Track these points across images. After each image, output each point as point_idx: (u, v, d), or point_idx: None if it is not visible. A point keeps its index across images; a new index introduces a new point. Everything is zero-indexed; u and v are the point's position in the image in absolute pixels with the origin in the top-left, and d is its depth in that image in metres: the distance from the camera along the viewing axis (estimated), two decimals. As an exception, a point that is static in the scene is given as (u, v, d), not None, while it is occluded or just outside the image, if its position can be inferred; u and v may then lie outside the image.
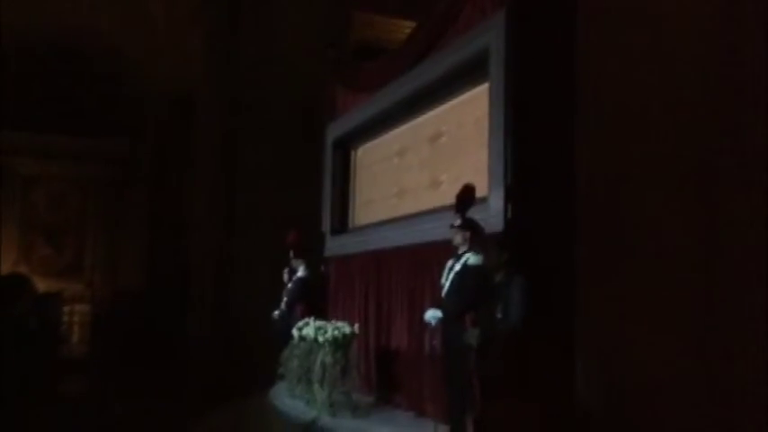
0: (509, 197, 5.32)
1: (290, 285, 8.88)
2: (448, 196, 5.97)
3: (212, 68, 13.02)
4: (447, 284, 5.19)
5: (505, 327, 4.51)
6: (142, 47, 14.84)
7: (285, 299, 8.83)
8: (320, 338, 6.55)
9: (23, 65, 14.51)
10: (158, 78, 15.05)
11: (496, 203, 5.40)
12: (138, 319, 13.85)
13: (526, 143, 5.35)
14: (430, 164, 7.07)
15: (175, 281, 14.12)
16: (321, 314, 7.71)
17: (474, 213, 5.29)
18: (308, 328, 6.88)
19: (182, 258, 14.23)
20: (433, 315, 5.18)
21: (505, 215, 5.30)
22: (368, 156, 8.71)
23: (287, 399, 7.16)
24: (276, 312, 8.84)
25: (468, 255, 5.14)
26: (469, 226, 5.18)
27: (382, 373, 7.15)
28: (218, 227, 12.86)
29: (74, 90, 15.30)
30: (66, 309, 13.81)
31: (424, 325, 5.38)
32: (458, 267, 5.15)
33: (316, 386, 6.52)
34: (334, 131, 9.08)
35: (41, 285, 10.83)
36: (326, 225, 9.02)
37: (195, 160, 14.08)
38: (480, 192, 5.43)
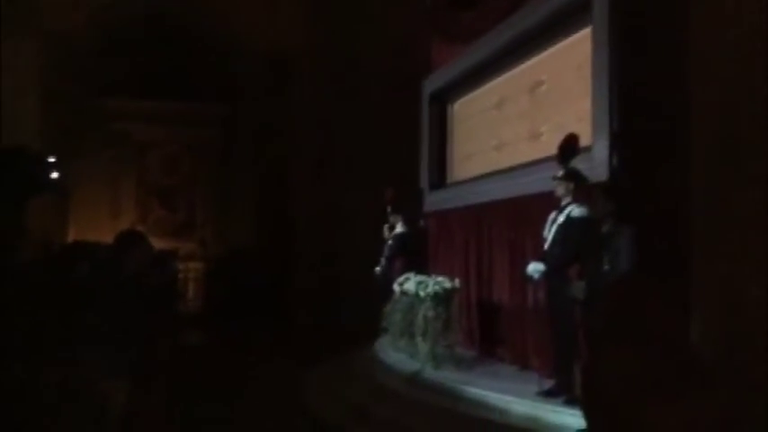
0: (614, 145, 5.11)
1: (389, 241, 8.97)
2: (549, 147, 5.80)
3: (310, 28, 13.11)
4: (550, 237, 5.08)
5: (613, 278, 4.36)
6: (243, 12, 15.10)
7: (385, 254, 8.93)
8: (421, 293, 6.59)
9: (134, 34, 15.10)
10: (260, 41, 15.30)
11: (601, 152, 5.19)
12: (247, 275, 14.39)
13: (631, 88, 5.09)
14: (529, 114, 6.87)
15: (282, 238, 14.56)
16: (421, 269, 7.74)
17: (577, 163, 5.12)
18: (409, 282, 6.93)
19: (287, 216, 14.63)
20: (535, 268, 5.09)
21: (611, 164, 5.09)
22: (465, 109, 8.57)
23: (391, 352, 7.28)
24: (377, 268, 8.97)
25: (571, 206, 5.00)
26: (573, 176, 5.02)
27: (484, 327, 7.14)
28: (319, 184, 13.12)
29: (183, 57, 15.82)
30: (181, 266, 14.53)
31: (527, 278, 5.30)
32: (561, 219, 5.02)
33: (418, 340, 6.59)
34: (430, 85, 8.98)
35: (157, 245, 11.43)
36: (425, 180, 9.00)
37: (295, 119, 14.33)
38: (583, 141, 5.24)
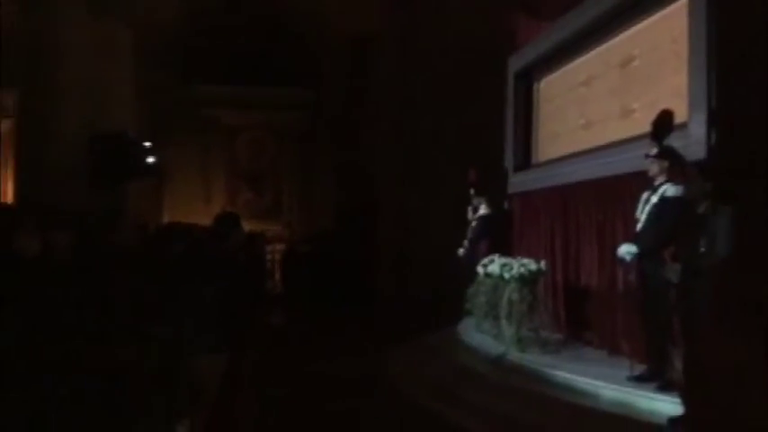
0: (712, 122, 4.86)
1: (473, 223, 8.90)
2: (641, 125, 5.59)
3: (393, 9, 13.09)
4: (643, 218, 4.91)
5: (710, 261, 4.17)
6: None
7: (469, 236, 8.88)
8: (506, 275, 6.52)
9: (222, 21, 15.49)
10: (344, 24, 15.41)
11: (698, 129, 4.96)
12: (329, 257, 14.61)
13: (730, 62, 4.83)
14: (620, 91, 6.63)
15: (363, 219, 14.70)
16: (505, 251, 7.66)
17: (672, 141, 4.92)
18: (494, 264, 6.87)
19: (369, 198, 14.75)
20: (627, 250, 4.94)
21: (708, 142, 4.86)
22: (551, 87, 8.36)
23: (474, 334, 7.25)
24: (460, 249, 8.93)
25: (666, 186, 4.81)
26: (668, 155, 4.83)
27: (571, 310, 7.00)
28: (400, 165, 13.14)
29: (269, 42, 16.13)
30: (268, 248, 14.91)
31: (618, 261, 5.16)
32: (655, 199, 4.85)
33: (503, 322, 6.54)
34: (515, 64, 8.80)
35: (246, 227, 11.76)
36: (509, 161, 8.86)
37: (378, 102, 14.38)
38: (679, 117, 5.03)
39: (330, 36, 15.80)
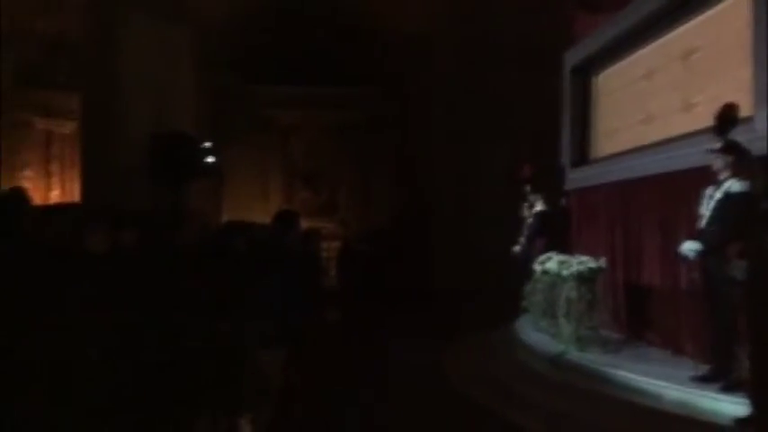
0: (779, 116, 4.71)
1: (529, 220, 8.83)
2: (703, 119, 5.45)
3: (449, 6, 13.05)
4: (707, 214, 4.80)
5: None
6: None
7: (525, 233, 8.81)
8: (564, 273, 6.45)
9: (279, 21, 15.71)
10: (400, 23, 15.43)
11: (763, 123, 4.81)
12: (385, 255, 14.67)
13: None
14: (682, 85, 6.47)
15: (420, 216, 14.72)
16: (562, 248, 7.57)
17: (736, 136, 4.78)
18: (551, 262, 6.81)
19: (425, 196, 14.76)
20: (690, 247, 4.82)
21: (775, 136, 4.71)
22: (610, 81, 8.21)
23: (532, 332, 7.20)
24: (516, 247, 8.87)
25: (730, 181, 4.69)
26: (732, 149, 4.70)
27: (632, 309, 6.87)
28: (456, 162, 13.11)
29: (326, 42, 16.28)
30: (323, 245, 15.03)
31: (681, 258, 5.04)
32: (719, 195, 4.72)
33: (561, 320, 6.47)
34: (572, 58, 8.68)
35: (303, 224, 11.89)
36: (566, 157, 8.74)
37: (435, 99, 14.37)
38: (743, 112, 4.88)
39: (388, 35, 15.83)
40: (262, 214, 11.81)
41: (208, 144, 11.65)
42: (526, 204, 8.85)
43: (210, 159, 11.90)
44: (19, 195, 5.20)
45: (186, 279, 4.60)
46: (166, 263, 4.63)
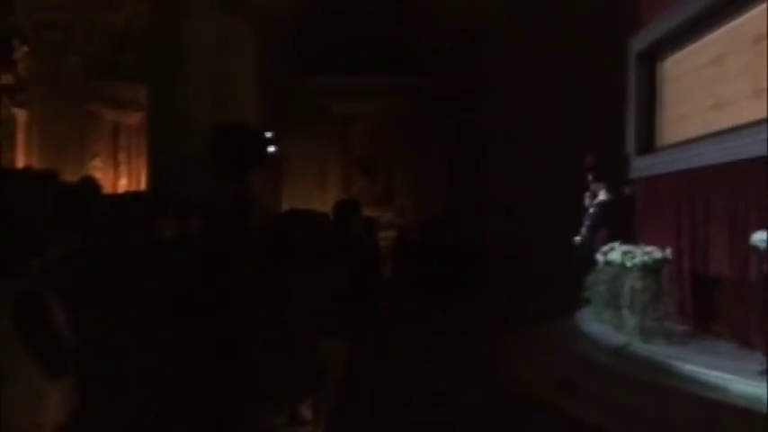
0: None
1: (591, 209, 8.69)
2: (778, 105, 5.24)
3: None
4: (780, 204, 4.63)
5: None
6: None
7: (586, 223, 8.68)
8: (628, 263, 6.33)
9: (336, 12, 15.81)
10: (456, 10, 15.33)
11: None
12: (441, 244, 14.63)
13: None
14: (753, 70, 6.22)
15: (475, 206, 14.63)
16: (626, 238, 7.42)
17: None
18: (614, 252, 6.69)
19: (481, 185, 14.66)
20: (762, 238, 4.67)
21: None
22: (677, 67, 7.97)
23: (594, 323, 7.09)
24: (577, 237, 8.74)
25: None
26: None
27: (699, 301, 6.68)
28: (513, 151, 12.97)
29: (382, 31, 16.29)
30: (380, 234, 15.10)
31: (751, 249, 4.88)
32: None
33: (625, 312, 6.36)
34: (637, 43, 8.46)
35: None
36: (631, 145, 8.54)
37: (491, 88, 14.23)
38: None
39: (445, 22, 15.75)
40: (320, 203, 11.94)
41: (269, 134, 11.84)
42: (588, 194, 8.70)
43: (271, 149, 12.09)
44: (90, 185, 5.41)
45: (249, 266, 4.70)
46: (231, 251, 4.74)
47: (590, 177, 8.72)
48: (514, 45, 13.05)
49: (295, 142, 16.92)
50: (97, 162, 14.70)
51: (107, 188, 10.20)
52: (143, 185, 12.89)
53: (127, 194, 7.94)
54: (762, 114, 5.85)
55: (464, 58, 15.71)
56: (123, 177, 15.04)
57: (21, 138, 14.56)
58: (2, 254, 3.00)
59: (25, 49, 14.40)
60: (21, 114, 14.60)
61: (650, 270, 6.20)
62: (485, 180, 14.60)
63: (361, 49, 16.30)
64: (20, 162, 13.63)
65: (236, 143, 9.94)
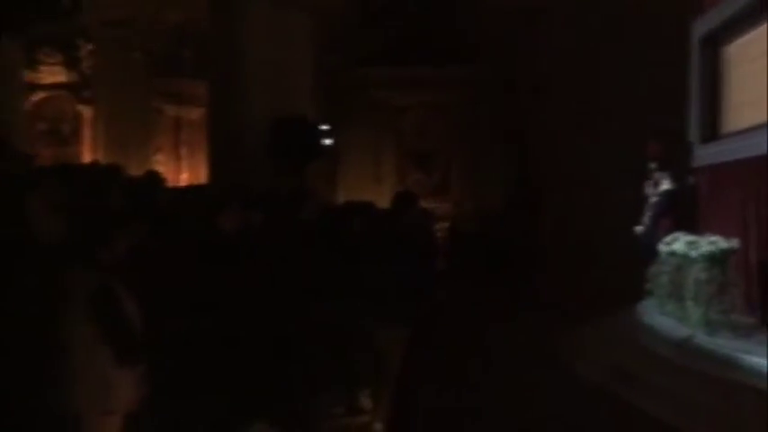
0: None
1: (653, 199, 8.51)
2: None
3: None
4: None
5: None
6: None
7: (649, 213, 8.50)
8: (692, 254, 6.17)
9: (390, 3, 15.83)
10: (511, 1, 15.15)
11: None
12: (497, 234, 14.53)
13: None
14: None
15: (532, 198, 14.46)
16: (689, 228, 7.23)
17: None
18: (678, 242, 6.53)
19: (539, 175, 14.47)
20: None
21: None
22: (743, 51, 7.68)
23: (656, 315, 6.95)
24: (639, 227, 8.57)
25: None
26: None
27: (766, 292, 6.46)
28: (570, 138, 12.75)
29: (435, 21, 16.22)
30: (436, 226, 15.07)
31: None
32: None
33: (689, 304, 6.20)
34: (701, 27, 8.19)
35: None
36: (694, 132, 8.29)
37: (547, 76, 14.01)
38: None
39: (499, 9, 15.56)
40: (375, 196, 11.98)
41: (325, 127, 11.95)
42: (650, 182, 8.51)
43: (327, 142, 12.20)
44: (155, 178, 5.58)
45: (307, 258, 4.77)
46: (289, 243, 4.82)
47: (653, 166, 8.51)
48: (570, 30, 12.80)
49: (350, 134, 17.02)
50: (160, 157, 15.13)
51: (169, 182, 10.47)
52: (203, 179, 13.19)
53: (190, 188, 8.14)
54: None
55: (519, 45, 15.51)
56: (185, 171, 15.45)
57: (86, 134, 15.11)
58: (74, 246, 3.13)
59: (90, 47, 14.91)
60: (86, 111, 15.14)
61: (716, 260, 6.02)
62: (542, 169, 14.39)
63: (415, 40, 16.27)
64: (86, 157, 14.14)
65: (293, 136, 10.07)
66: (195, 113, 15.25)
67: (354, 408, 5.29)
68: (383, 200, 9.16)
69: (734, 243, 6.13)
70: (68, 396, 3.00)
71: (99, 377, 2.99)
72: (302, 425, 4.79)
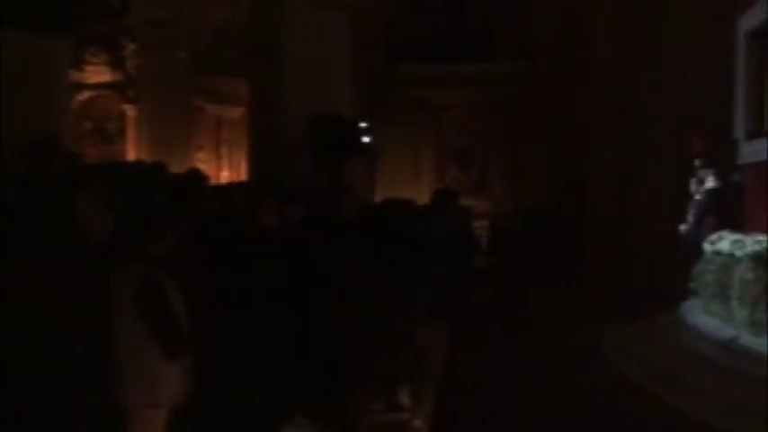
0: None
1: (698, 197, 8.36)
2: None
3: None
4: None
5: None
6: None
7: (693, 211, 8.36)
8: (738, 253, 6.04)
9: (428, 1, 15.82)
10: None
11: None
12: (538, 234, 14.40)
13: None
14: None
15: (575, 195, 14.29)
16: (735, 227, 7.08)
17: None
18: (723, 241, 6.41)
19: (580, 173, 14.30)
20: None
21: None
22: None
23: (701, 315, 6.83)
24: (683, 226, 8.44)
25: None
26: None
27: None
28: (614, 137, 12.58)
29: (475, 18, 16.16)
30: (475, 224, 14.99)
31: None
32: None
33: (734, 304, 6.08)
34: (747, 22, 8.00)
35: (455, 202, 11.93)
36: (740, 129, 8.11)
37: (591, 73, 13.84)
38: None
39: (541, 6, 15.43)
40: (413, 193, 11.98)
41: (364, 124, 11.99)
42: (695, 180, 8.36)
43: (366, 139, 12.24)
44: (198, 175, 5.67)
45: (347, 255, 4.81)
46: (330, 238, 4.86)
47: (697, 163, 8.36)
48: (616, 25, 12.63)
49: (388, 132, 17.03)
50: (201, 154, 15.35)
51: (211, 179, 10.63)
52: (243, 177, 13.35)
53: (231, 185, 8.26)
54: None
55: (564, 42, 15.34)
56: (225, 169, 15.66)
57: (131, 132, 15.42)
58: (123, 241, 3.21)
59: (133, 47, 15.20)
60: (130, 110, 15.45)
61: (762, 260, 5.88)
62: (584, 166, 14.22)
63: (453, 37, 16.22)
64: (130, 156, 14.43)
65: (331, 133, 10.12)
66: (236, 112, 15.45)
67: (393, 404, 5.31)
68: (421, 197, 9.16)
69: (781, 242, 5.99)
70: (116, 388, 3.08)
71: (146, 370, 3.06)
72: (341, 420, 4.83)
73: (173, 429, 3.26)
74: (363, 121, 12.31)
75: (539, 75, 16.57)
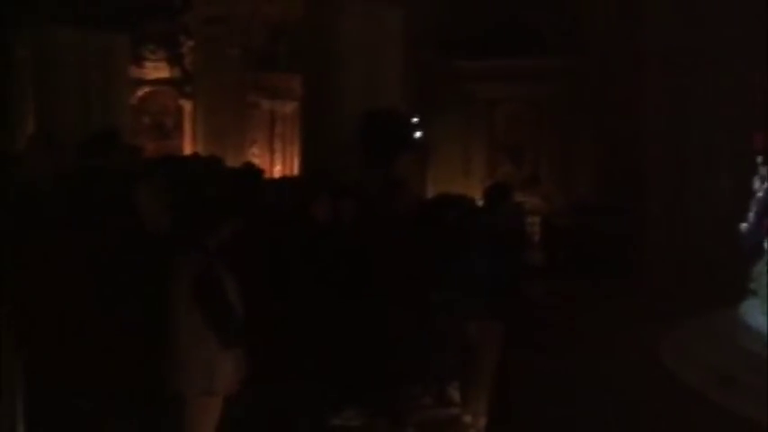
0: None
1: (760, 194, 8.13)
2: None
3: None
4: None
5: None
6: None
7: (754, 209, 8.13)
8: (801, 253, 5.84)
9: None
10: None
11: None
12: (591, 230, 14.16)
13: None
14: None
15: (629, 192, 14.02)
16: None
17: None
18: (785, 241, 6.20)
19: (635, 169, 14.02)
20: None
21: None
22: None
23: (759, 316, 6.64)
24: (744, 224, 8.22)
25: None
26: None
27: None
28: (670, 132, 12.32)
29: (528, 12, 15.96)
30: (527, 220, 14.81)
31: None
32: None
33: (796, 305, 5.89)
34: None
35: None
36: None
37: (645, 66, 13.55)
38: None
39: (594, 4, 15.17)
40: (464, 188, 11.92)
41: (415, 119, 11.98)
42: (757, 177, 8.12)
43: (418, 134, 12.23)
44: (253, 170, 5.77)
45: (400, 250, 4.83)
46: (383, 233, 4.90)
47: (760, 160, 8.11)
48: (672, 20, 12.33)
49: (439, 127, 16.97)
50: (255, 149, 15.60)
51: (264, 174, 10.78)
52: (296, 172, 13.51)
53: (285, 179, 8.38)
54: None
55: (617, 36, 15.04)
56: (278, 164, 15.87)
57: (187, 127, 15.77)
58: (181, 233, 3.30)
59: (191, 43, 15.54)
60: (187, 105, 15.81)
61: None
62: (640, 162, 13.92)
63: (505, 32, 16.06)
64: (186, 149, 14.77)
65: (384, 129, 10.15)
66: (289, 107, 15.64)
67: (443, 399, 5.32)
68: (472, 192, 9.13)
69: None
70: (174, 377, 3.17)
71: (203, 359, 3.13)
72: (390, 414, 4.86)
73: (226, 417, 3.33)
74: (415, 116, 12.32)
75: (591, 68, 16.25)
